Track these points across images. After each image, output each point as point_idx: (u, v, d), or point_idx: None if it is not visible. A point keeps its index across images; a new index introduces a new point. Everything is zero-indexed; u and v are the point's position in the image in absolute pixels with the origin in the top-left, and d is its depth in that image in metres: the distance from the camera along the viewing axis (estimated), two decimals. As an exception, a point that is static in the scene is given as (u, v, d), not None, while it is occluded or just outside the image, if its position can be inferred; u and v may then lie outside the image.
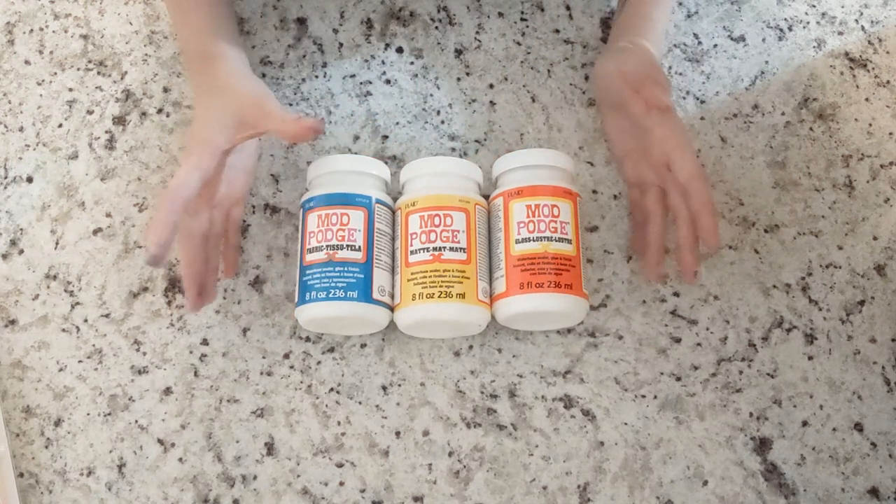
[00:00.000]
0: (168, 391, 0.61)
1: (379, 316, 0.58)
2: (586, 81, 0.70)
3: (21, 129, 0.69)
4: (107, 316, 0.63)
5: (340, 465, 0.59)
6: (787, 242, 0.66)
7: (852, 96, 0.71)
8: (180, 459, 0.59)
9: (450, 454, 0.59)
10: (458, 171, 0.61)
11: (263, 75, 0.70)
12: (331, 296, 0.57)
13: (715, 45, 0.72)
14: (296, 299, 0.59)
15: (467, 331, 0.61)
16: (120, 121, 0.69)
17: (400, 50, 0.72)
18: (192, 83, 0.67)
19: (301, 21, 0.72)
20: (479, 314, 0.58)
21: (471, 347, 0.62)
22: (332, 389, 0.61)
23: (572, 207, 0.60)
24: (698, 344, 0.62)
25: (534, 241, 0.58)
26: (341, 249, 0.58)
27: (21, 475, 0.59)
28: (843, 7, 0.75)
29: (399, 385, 0.61)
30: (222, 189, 0.60)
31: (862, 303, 0.64)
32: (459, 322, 0.58)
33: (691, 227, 0.59)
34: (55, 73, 0.71)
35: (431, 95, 0.70)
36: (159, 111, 0.69)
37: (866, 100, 0.71)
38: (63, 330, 0.63)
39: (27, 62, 0.71)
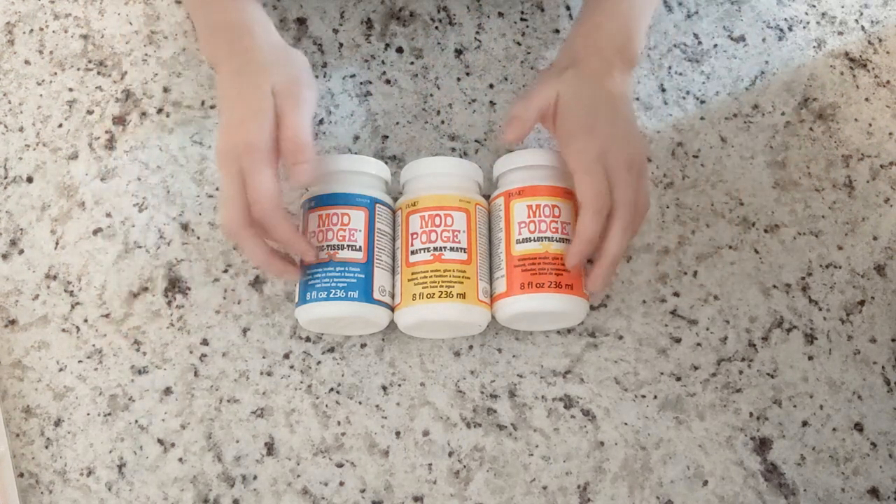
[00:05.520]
0: (168, 391, 0.61)
1: (379, 316, 0.58)
2: (586, 81, 0.70)
3: (21, 129, 0.69)
4: (107, 316, 0.63)
5: (340, 465, 0.59)
6: (787, 242, 0.66)
7: (852, 96, 0.71)
8: (180, 459, 0.59)
9: (450, 454, 0.59)
10: (458, 171, 0.61)
11: (263, 75, 0.70)
12: (331, 296, 0.57)
13: (715, 45, 0.72)
14: (296, 299, 0.59)
15: (467, 331, 0.61)
16: (120, 121, 0.69)
17: (400, 50, 0.72)
18: (220, 66, 0.60)
19: (301, 21, 0.72)
20: (479, 314, 0.58)
21: (471, 347, 0.62)
22: (332, 389, 0.61)
23: (573, 208, 0.60)
24: (698, 344, 0.62)
25: (534, 241, 0.58)
26: (342, 249, 0.58)
27: (21, 475, 0.59)
28: (843, 7, 0.75)
29: (399, 385, 0.61)
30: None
31: (862, 303, 0.64)
32: (460, 322, 0.58)
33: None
34: (55, 73, 0.71)
35: (431, 95, 0.70)
36: (159, 111, 0.69)
37: (866, 100, 0.71)
38: (63, 330, 0.62)
39: (27, 62, 0.71)
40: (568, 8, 0.73)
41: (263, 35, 0.60)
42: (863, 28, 0.74)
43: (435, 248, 0.58)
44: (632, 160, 0.57)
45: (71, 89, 0.70)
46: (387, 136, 0.68)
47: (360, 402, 0.60)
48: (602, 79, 0.59)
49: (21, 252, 0.65)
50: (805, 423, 0.61)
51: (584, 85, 0.59)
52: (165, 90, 0.70)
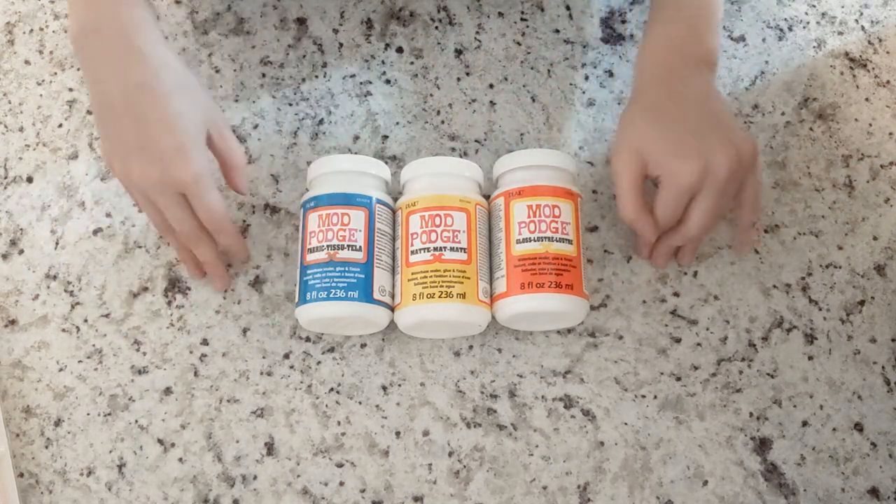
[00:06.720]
0: (168, 391, 0.61)
1: (379, 316, 0.58)
2: (586, 81, 0.70)
3: (21, 129, 0.69)
4: (107, 316, 0.63)
5: (340, 465, 0.59)
6: (787, 242, 0.66)
7: (852, 96, 0.71)
8: (180, 459, 0.59)
9: (450, 454, 0.59)
10: (458, 171, 0.61)
11: (263, 75, 0.70)
12: (331, 296, 0.57)
13: (715, 46, 0.72)
14: (296, 299, 0.59)
15: (468, 331, 0.61)
16: (120, 121, 0.69)
17: (400, 50, 0.72)
18: (103, 71, 0.57)
19: (301, 21, 0.72)
20: (479, 314, 0.58)
21: (471, 347, 0.62)
22: (332, 389, 0.61)
23: (573, 208, 0.60)
24: (698, 344, 0.62)
25: (535, 241, 0.58)
26: (342, 249, 0.58)
27: (21, 475, 0.59)
28: (843, 7, 0.75)
29: (399, 385, 0.61)
30: None
31: (862, 303, 0.64)
32: (460, 322, 0.58)
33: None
34: (55, 73, 0.71)
35: (431, 95, 0.70)
36: (159, 111, 0.69)
37: (866, 100, 0.71)
38: (63, 330, 0.62)
39: (27, 62, 0.71)
40: (568, 8, 0.73)
41: (160, 48, 0.59)
42: (863, 28, 0.74)
43: (435, 248, 0.58)
44: (723, 175, 0.56)
45: (71, 89, 0.70)
46: (387, 136, 0.68)
47: (360, 402, 0.60)
48: (678, 100, 0.58)
49: (21, 252, 0.65)
50: (805, 423, 0.61)
51: (661, 125, 0.58)
52: (165, 90, 0.70)
